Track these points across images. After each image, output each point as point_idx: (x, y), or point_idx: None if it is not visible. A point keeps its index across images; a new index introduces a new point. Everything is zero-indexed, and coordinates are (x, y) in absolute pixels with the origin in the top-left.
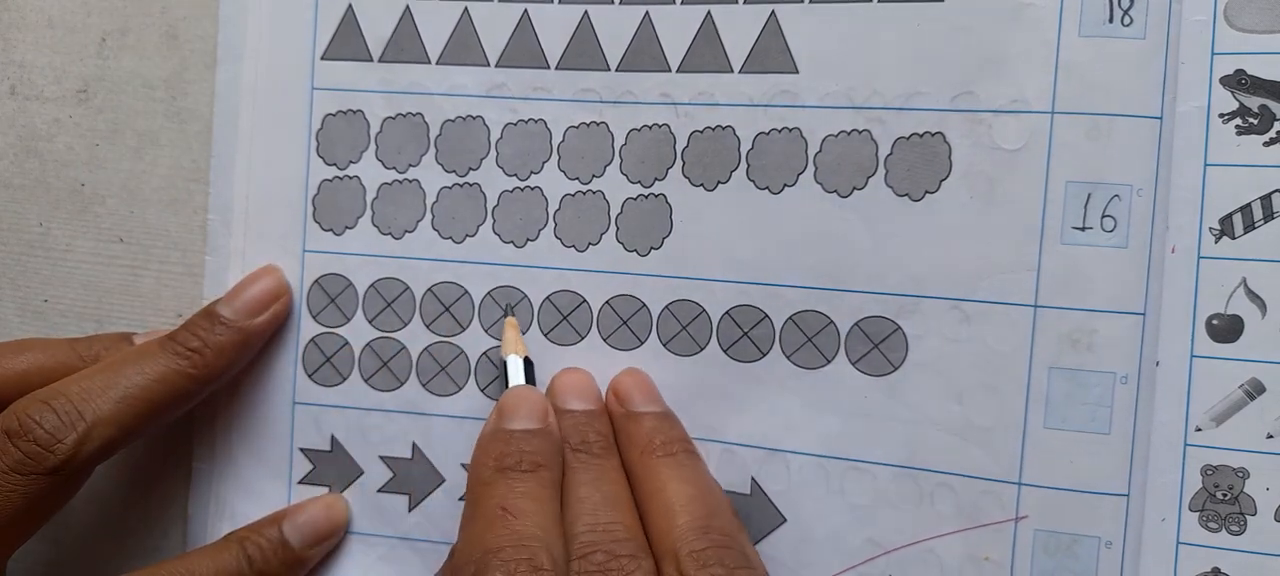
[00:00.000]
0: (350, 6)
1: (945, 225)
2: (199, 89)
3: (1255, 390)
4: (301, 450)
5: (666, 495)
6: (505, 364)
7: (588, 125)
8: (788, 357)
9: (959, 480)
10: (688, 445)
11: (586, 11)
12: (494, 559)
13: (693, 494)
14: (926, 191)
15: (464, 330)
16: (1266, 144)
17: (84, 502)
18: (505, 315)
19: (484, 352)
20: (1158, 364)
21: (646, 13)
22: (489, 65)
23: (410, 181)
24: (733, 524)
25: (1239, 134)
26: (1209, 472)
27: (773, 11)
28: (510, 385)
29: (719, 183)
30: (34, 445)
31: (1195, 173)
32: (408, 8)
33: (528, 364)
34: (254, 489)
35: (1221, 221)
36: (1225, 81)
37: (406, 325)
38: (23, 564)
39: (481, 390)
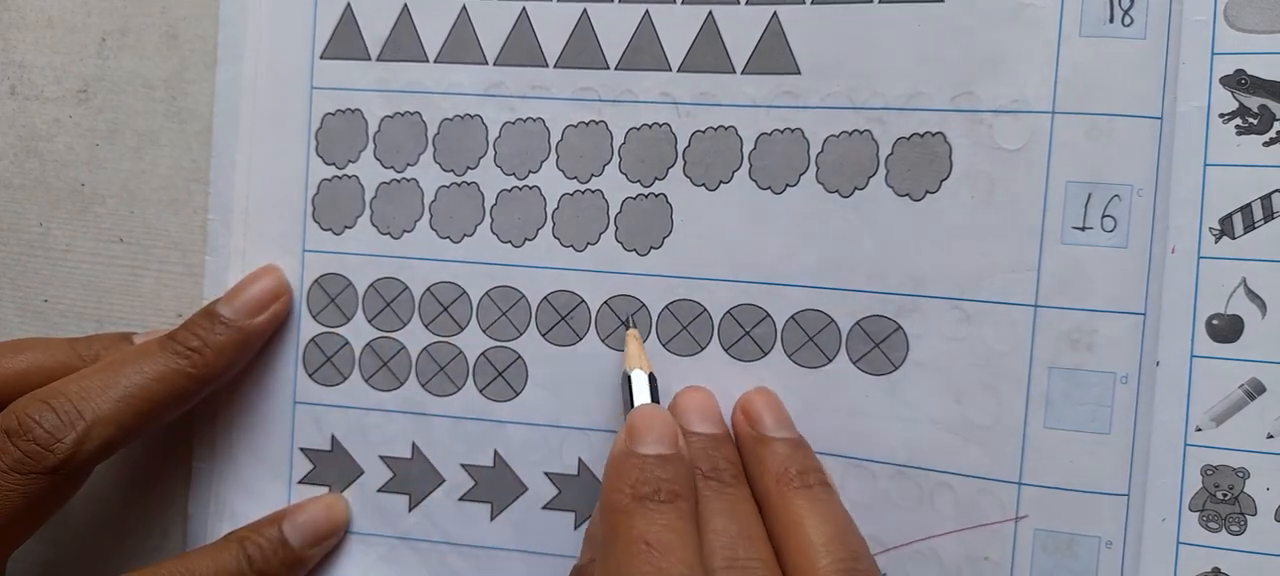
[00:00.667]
0: (349, 5)
1: (946, 225)
2: (199, 89)
3: (1255, 390)
4: (302, 450)
5: (805, 531)
6: (628, 378)
7: (586, 124)
8: (789, 357)
9: (959, 479)
10: (823, 476)
11: (585, 10)
12: None
13: (833, 532)
14: (927, 191)
15: (462, 330)
16: (1266, 144)
17: (84, 502)
18: (625, 326)
19: (482, 353)
20: (1158, 364)
21: (646, 12)
22: (487, 63)
23: (408, 181)
24: (873, 566)
25: (1239, 134)
26: (1209, 472)
27: (774, 12)
28: (635, 403)
29: (721, 182)
30: (33, 444)
31: (1195, 173)
32: (406, 6)
33: (652, 379)
34: (254, 489)
35: (1221, 221)
36: (1225, 81)
37: (406, 325)
38: (22, 564)
39: (480, 391)
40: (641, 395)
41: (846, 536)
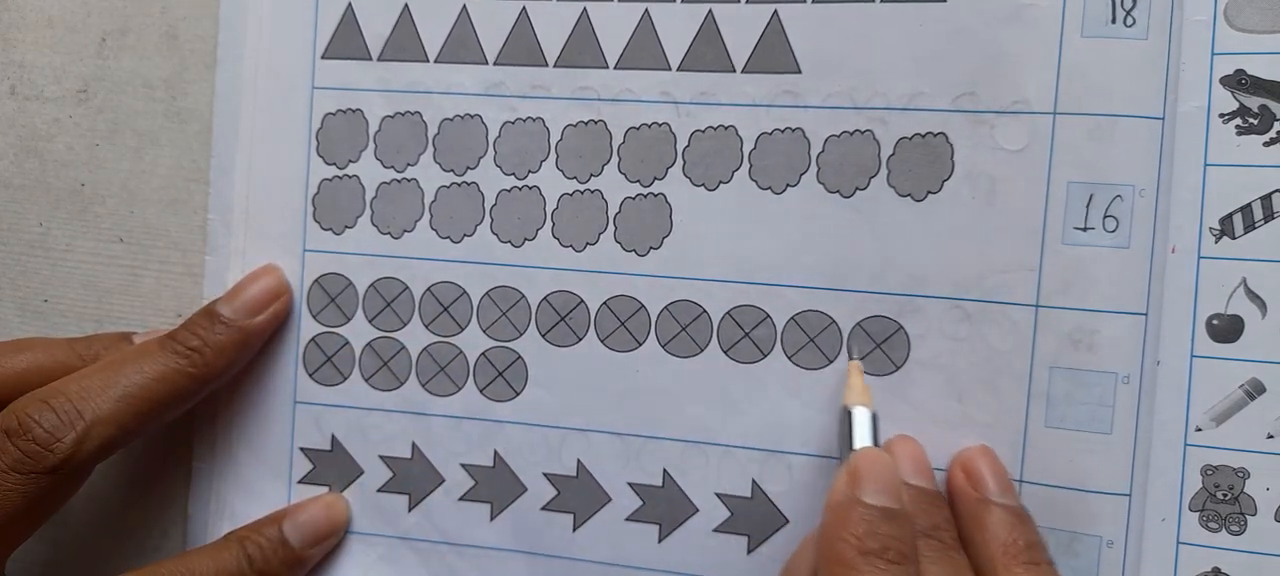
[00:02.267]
0: (350, 5)
1: (947, 225)
2: (199, 89)
3: (1255, 390)
4: (302, 449)
5: None
6: (850, 414)
7: (586, 123)
8: (789, 358)
9: None
10: (1047, 554)
11: (585, 9)
12: None
13: None
14: (929, 192)
15: (462, 330)
16: (1266, 144)
17: (84, 502)
18: (851, 357)
19: (482, 353)
20: (1158, 364)
21: (646, 11)
22: (487, 63)
23: (409, 181)
24: None
25: (1239, 134)
26: (1209, 472)
27: (775, 11)
28: (856, 443)
29: (721, 182)
30: (33, 444)
31: (1195, 173)
32: (406, 6)
33: (874, 419)
34: (254, 488)
35: (1222, 221)
36: (1225, 82)
37: (406, 325)
38: (22, 564)
39: (480, 391)
40: (864, 436)
41: None
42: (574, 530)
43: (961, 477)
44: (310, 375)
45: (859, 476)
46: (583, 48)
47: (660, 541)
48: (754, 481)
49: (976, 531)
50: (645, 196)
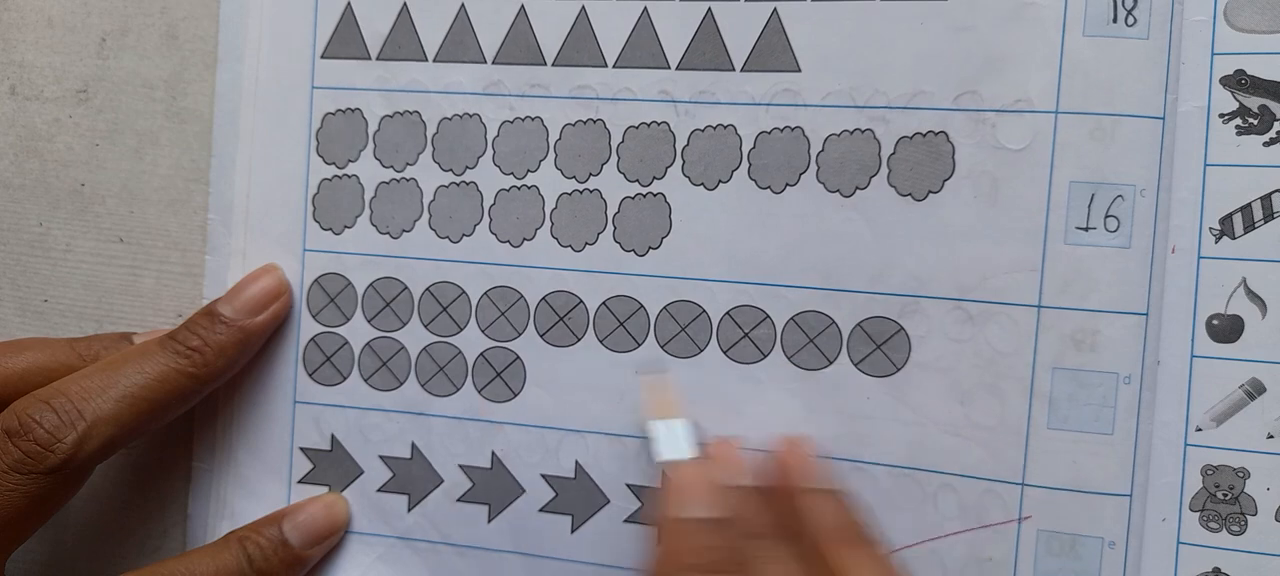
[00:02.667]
0: (349, 4)
1: (948, 225)
2: (199, 89)
3: (1255, 390)
4: (301, 449)
5: None
6: (655, 429)
7: (584, 123)
8: (789, 359)
9: (962, 481)
10: (871, 535)
11: (583, 7)
12: None
13: None
14: (929, 191)
15: (461, 330)
16: (1266, 144)
17: (84, 502)
18: (645, 373)
19: (481, 353)
20: (1159, 364)
21: (645, 9)
22: (486, 62)
23: (408, 180)
24: None
25: (1239, 134)
26: (1209, 472)
27: (774, 9)
28: (665, 458)
29: (720, 182)
30: (34, 444)
31: (1195, 173)
32: (405, 5)
33: (686, 427)
34: (254, 488)
35: (1222, 221)
36: (1225, 81)
37: (405, 325)
38: (22, 564)
39: (479, 391)
40: (672, 450)
41: None
42: (572, 531)
43: (776, 471)
44: (310, 375)
45: (671, 493)
46: (581, 46)
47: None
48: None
49: (797, 522)
50: (644, 196)
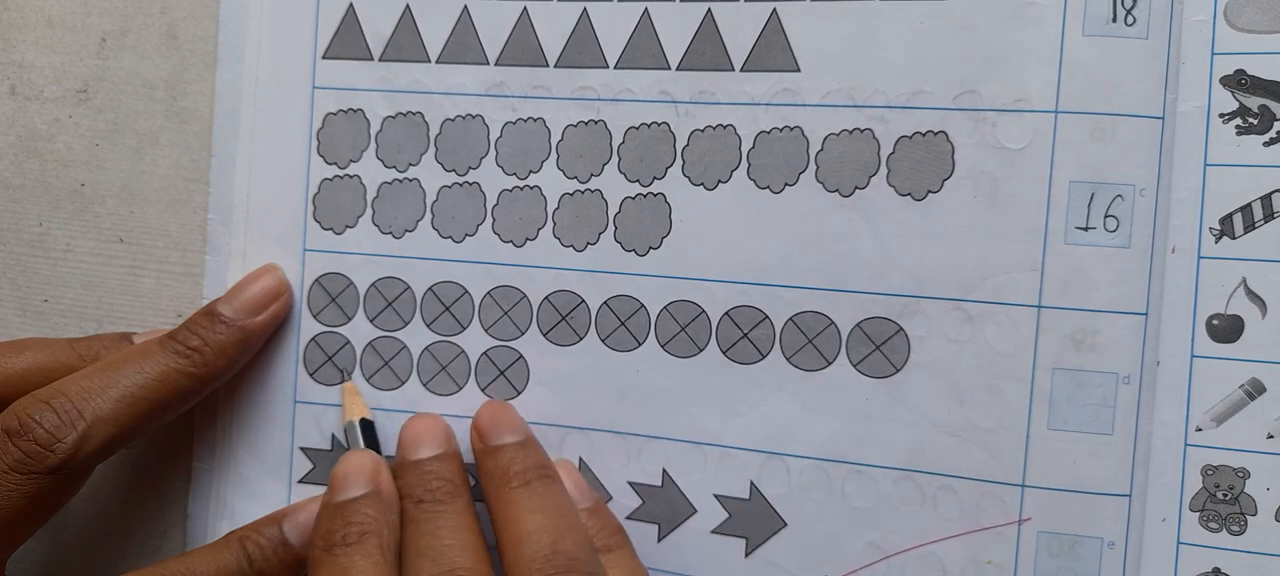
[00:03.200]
0: (351, 5)
1: (948, 225)
2: (199, 89)
3: (1255, 390)
4: (302, 449)
5: (517, 526)
6: (345, 430)
7: (586, 123)
8: (788, 359)
9: (961, 482)
10: (544, 471)
11: (585, 9)
12: None
13: (542, 521)
14: (929, 191)
15: (464, 330)
16: (1266, 144)
17: (84, 502)
18: (344, 377)
19: (484, 352)
20: (1158, 364)
21: (645, 10)
22: (488, 63)
23: (410, 181)
24: (581, 546)
25: (1239, 134)
26: (1209, 472)
27: (774, 10)
28: (347, 448)
29: (719, 182)
30: (34, 444)
31: (1195, 173)
32: (408, 6)
33: (366, 425)
34: (254, 488)
35: (1222, 221)
36: (1225, 81)
37: (407, 324)
38: (22, 564)
39: (482, 390)
40: (354, 443)
41: (556, 521)
42: None
43: (474, 436)
44: (311, 375)
45: (333, 483)
46: (583, 48)
47: (659, 541)
48: (752, 483)
49: (483, 476)
50: (645, 196)
